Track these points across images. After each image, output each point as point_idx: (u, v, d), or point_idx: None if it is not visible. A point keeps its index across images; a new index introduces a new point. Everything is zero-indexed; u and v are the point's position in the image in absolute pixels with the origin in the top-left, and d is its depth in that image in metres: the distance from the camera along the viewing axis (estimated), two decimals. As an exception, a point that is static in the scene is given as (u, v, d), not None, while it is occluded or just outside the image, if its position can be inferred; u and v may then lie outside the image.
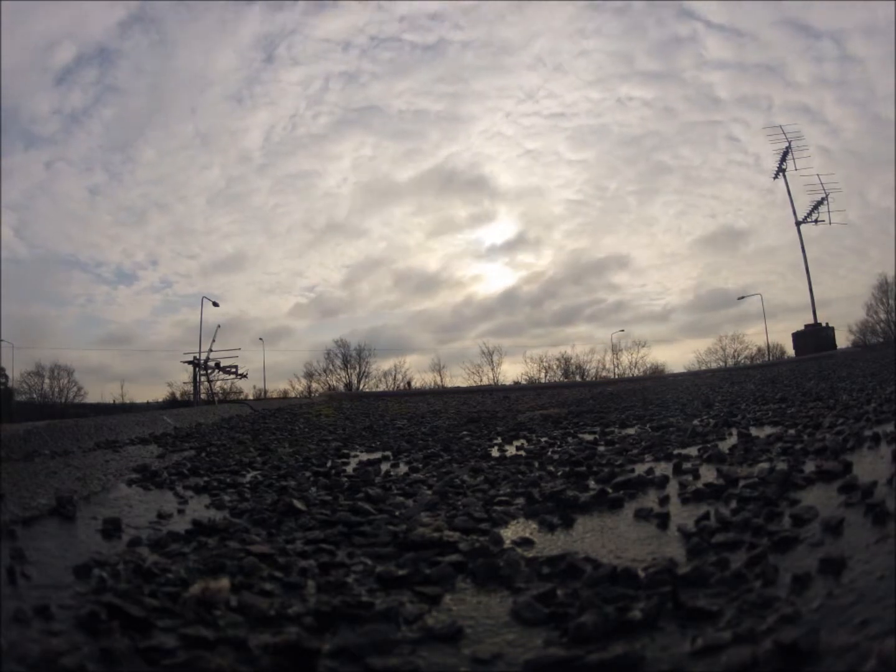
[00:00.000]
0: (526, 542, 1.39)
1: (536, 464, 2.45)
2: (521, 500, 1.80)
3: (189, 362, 33.13)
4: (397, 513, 1.71)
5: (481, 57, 49.50)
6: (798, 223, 24.30)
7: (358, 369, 43.78)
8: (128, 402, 41.68)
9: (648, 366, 43.29)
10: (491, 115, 60.64)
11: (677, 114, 60.74)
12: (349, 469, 2.69)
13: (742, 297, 40.59)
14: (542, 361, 44.10)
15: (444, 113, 56.62)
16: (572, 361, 44.39)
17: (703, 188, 56.16)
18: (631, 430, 3.45)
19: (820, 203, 23.88)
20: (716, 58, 54.32)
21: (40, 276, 56.15)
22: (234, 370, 34.14)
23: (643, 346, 44.60)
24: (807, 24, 57.58)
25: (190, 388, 34.94)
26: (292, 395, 38.89)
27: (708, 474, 1.93)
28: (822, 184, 23.70)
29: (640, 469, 2.11)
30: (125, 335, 55.89)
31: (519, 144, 64.53)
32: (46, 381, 41.97)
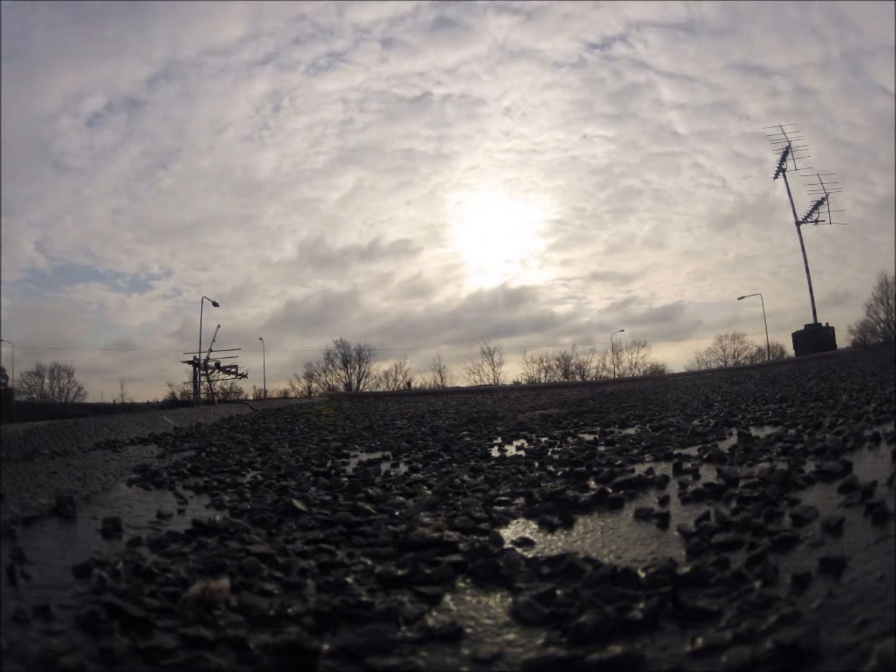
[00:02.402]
0: (526, 542, 1.39)
1: (536, 464, 2.45)
2: (521, 500, 1.80)
3: (189, 362, 33.11)
4: (397, 513, 1.70)
5: (461, 107, 58.82)
6: (798, 223, 24.30)
7: (358, 369, 43.87)
8: (128, 402, 41.75)
9: (648, 366, 43.34)
10: (471, 152, 71.32)
11: (640, 146, 67.37)
12: (349, 469, 2.69)
13: (742, 297, 40.79)
14: (542, 361, 44.17)
15: (432, 152, 65.75)
16: (572, 361, 44.45)
17: (675, 207, 61.02)
18: (631, 430, 3.45)
19: (820, 203, 23.87)
20: (670, 100, 60.83)
21: (57, 285, 61.56)
22: (234, 370, 34.14)
23: (643, 346, 44.65)
24: (757, 64, 62.82)
25: (190, 388, 34.93)
26: (292, 395, 38.88)
27: (708, 474, 1.93)
28: (822, 184, 23.72)
29: (640, 469, 2.11)
30: (132, 338, 60.11)
31: (498, 174, 73.49)
32: (46, 381, 42.02)
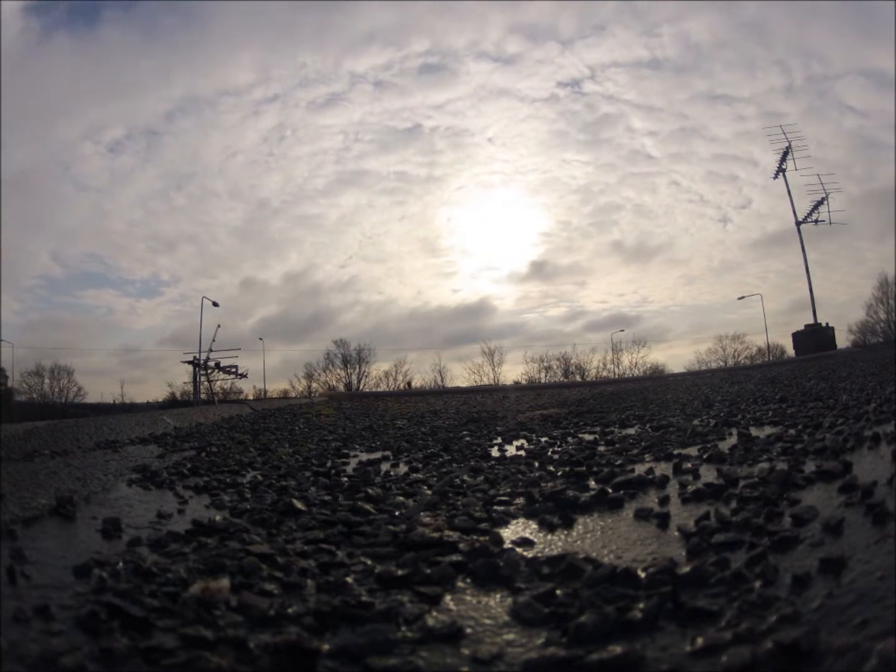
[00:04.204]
0: (526, 542, 1.39)
1: (536, 464, 2.45)
2: (521, 500, 1.80)
3: (189, 362, 33.07)
4: (397, 513, 1.71)
5: (448, 137, 65.22)
6: (798, 223, 24.29)
7: (358, 369, 43.88)
8: (128, 402, 41.76)
9: (648, 366, 43.33)
10: (459, 175, 79.82)
11: (617, 167, 72.36)
12: (349, 469, 2.69)
13: (742, 297, 40.89)
14: (542, 361, 44.19)
15: (424, 175, 74.10)
16: (572, 361, 44.45)
17: (656, 220, 64.16)
18: (631, 430, 3.45)
19: (820, 203, 23.86)
20: (642, 127, 66.38)
21: (68, 290, 65.04)
22: (234, 370, 34.11)
23: (643, 346, 44.65)
24: (721, 94, 67.50)
25: (190, 388, 34.90)
26: (292, 395, 38.87)
27: (708, 474, 1.93)
28: (822, 184, 23.71)
29: (640, 469, 2.11)
30: (137, 341, 64.64)
31: (485, 193, 76.89)
32: (46, 381, 42.01)
